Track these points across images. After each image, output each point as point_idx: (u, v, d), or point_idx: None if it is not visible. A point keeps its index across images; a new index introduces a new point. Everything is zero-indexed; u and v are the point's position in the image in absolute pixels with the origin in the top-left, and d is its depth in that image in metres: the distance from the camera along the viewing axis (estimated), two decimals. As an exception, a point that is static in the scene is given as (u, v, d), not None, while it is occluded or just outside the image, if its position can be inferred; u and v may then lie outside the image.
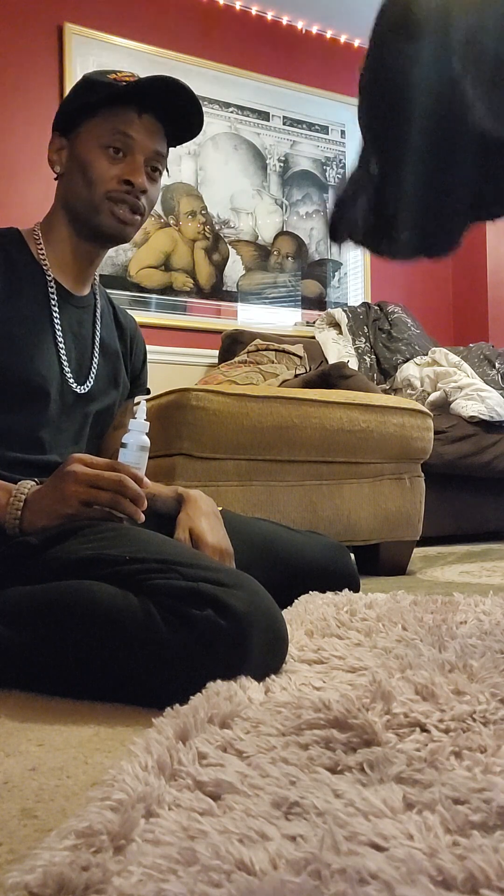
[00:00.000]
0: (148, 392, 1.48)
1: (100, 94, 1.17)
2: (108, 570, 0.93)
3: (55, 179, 1.25)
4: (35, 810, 0.58)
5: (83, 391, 1.25)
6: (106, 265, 3.47)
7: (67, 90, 2.02)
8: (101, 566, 0.94)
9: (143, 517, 1.07)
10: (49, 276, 1.23)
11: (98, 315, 1.32)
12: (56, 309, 1.22)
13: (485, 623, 1.11)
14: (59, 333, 1.22)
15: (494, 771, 0.58)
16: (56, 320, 1.22)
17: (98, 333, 1.31)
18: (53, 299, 1.22)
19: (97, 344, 1.30)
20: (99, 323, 1.32)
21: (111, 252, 3.51)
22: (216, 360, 3.51)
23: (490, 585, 1.83)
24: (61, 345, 1.22)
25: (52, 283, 1.23)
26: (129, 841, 0.48)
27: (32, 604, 0.94)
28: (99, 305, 1.33)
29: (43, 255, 1.23)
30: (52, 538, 1.01)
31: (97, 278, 1.34)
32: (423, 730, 0.68)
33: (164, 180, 3.61)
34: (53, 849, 0.47)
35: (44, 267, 1.23)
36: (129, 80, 1.17)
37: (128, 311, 1.47)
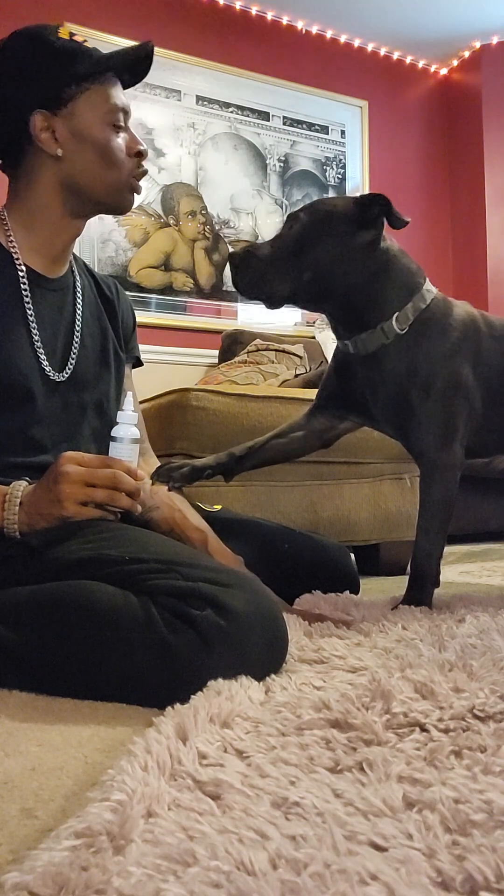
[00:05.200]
0: (139, 361, 1.40)
1: (86, 64, 1.13)
2: (108, 571, 0.93)
3: (57, 160, 1.14)
4: (35, 810, 0.58)
5: (63, 378, 1.19)
6: (106, 265, 3.46)
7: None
8: (101, 566, 0.94)
9: (139, 509, 1.07)
10: (20, 264, 1.16)
11: (79, 294, 1.25)
12: (28, 298, 1.16)
13: (484, 622, 1.11)
14: (33, 325, 1.15)
15: (494, 771, 0.58)
16: (29, 311, 1.16)
17: (79, 314, 1.24)
18: (25, 289, 1.16)
19: (78, 326, 1.23)
20: (80, 302, 1.25)
21: (111, 252, 3.52)
22: (216, 360, 3.50)
23: (490, 585, 1.84)
24: (36, 337, 1.16)
25: (23, 272, 1.16)
26: (128, 841, 0.48)
27: (33, 604, 0.94)
28: (79, 283, 1.26)
29: (12, 241, 1.17)
30: (52, 538, 1.01)
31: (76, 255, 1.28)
32: (423, 729, 0.68)
33: (164, 180, 3.63)
34: (53, 849, 0.47)
35: (13, 254, 1.16)
36: (81, 40, 1.16)
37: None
